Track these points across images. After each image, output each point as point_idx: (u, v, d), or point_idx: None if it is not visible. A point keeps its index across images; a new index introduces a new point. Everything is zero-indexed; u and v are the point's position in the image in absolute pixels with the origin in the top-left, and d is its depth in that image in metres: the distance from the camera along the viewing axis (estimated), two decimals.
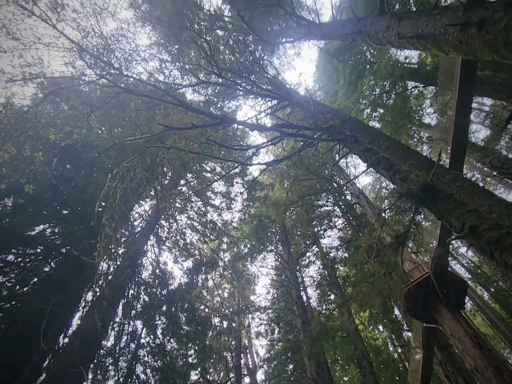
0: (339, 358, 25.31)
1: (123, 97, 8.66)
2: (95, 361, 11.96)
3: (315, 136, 6.96)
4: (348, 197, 19.54)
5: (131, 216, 15.03)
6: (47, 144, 7.47)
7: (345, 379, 27.67)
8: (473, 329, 9.73)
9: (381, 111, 13.23)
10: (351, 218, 19.12)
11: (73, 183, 11.46)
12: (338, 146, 7.19)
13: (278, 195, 17.53)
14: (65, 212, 12.30)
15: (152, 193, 12.80)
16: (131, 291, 14.16)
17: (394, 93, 12.33)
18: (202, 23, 13.05)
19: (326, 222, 19.75)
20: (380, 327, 28.99)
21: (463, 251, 28.56)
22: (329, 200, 19.83)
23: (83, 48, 7.73)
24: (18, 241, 10.53)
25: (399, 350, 27.76)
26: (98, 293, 11.35)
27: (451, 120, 6.60)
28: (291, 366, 21.81)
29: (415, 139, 18.18)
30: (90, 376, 11.77)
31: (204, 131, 8.74)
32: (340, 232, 22.79)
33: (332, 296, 22.25)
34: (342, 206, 19.31)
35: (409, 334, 21.92)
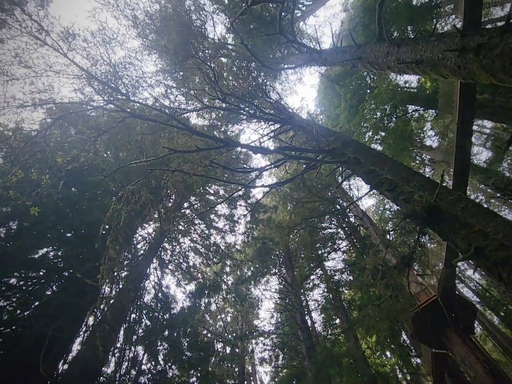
0: None
1: (129, 121, 8.86)
2: None
3: (318, 158, 7.06)
4: (352, 219, 19.50)
5: (134, 239, 15.01)
6: (54, 167, 7.59)
7: None
8: (484, 355, 9.46)
9: (383, 134, 13.41)
10: (355, 240, 19.00)
11: (78, 206, 11.54)
12: (341, 169, 7.26)
13: (281, 218, 17.53)
14: (68, 235, 12.31)
15: (156, 215, 12.85)
16: (133, 315, 13.96)
17: (395, 116, 12.53)
18: (207, 51, 13.50)
19: (330, 244, 19.62)
20: (388, 353, 28.17)
21: (470, 274, 28.12)
22: (333, 222, 19.78)
23: (92, 75, 7.99)
24: (21, 264, 10.50)
25: (408, 378, 26.87)
26: (99, 317, 11.21)
27: (452, 143, 6.68)
28: None
29: (417, 161, 18.29)
30: None
31: (208, 154, 8.87)
32: (344, 254, 22.58)
33: (338, 321, 21.78)
34: (346, 228, 19.23)
35: (418, 360, 21.31)
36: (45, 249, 12.10)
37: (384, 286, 10.73)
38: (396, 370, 28.10)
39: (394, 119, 12.59)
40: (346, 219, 19.81)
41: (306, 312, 22.18)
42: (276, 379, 22.15)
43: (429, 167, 18.67)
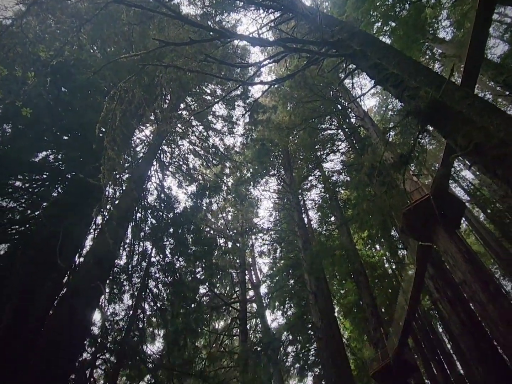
0: (337, 274, 27.12)
1: (113, 8, 7.93)
2: (110, 277, 12.86)
3: (321, 51, 6.52)
4: (353, 120, 19.09)
5: (132, 142, 14.89)
6: (38, 62, 7.06)
7: (342, 292, 29.85)
8: (465, 247, 10.23)
9: (393, 24, 12.21)
10: (354, 141, 18.91)
11: (70, 107, 11.12)
12: (344, 64, 6.77)
13: (281, 118, 17.12)
14: (65, 137, 12.16)
15: (152, 117, 12.51)
16: (139, 215, 14.66)
17: (408, 2, 11.23)
18: None
19: (329, 146, 19.60)
20: (377, 246, 30.58)
21: (464, 174, 28.83)
22: (333, 123, 19.43)
23: None
24: (23, 167, 10.59)
25: (394, 267, 29.63)
26: (107, 217, 11.77)
27: (468, 33, 6.11)
28: (292, 281, 23.51)
29: (427, 56, 17.07)
30: (107, 290, 12.78)
31: (203, 48, 8.19)
32: (343, 156, 22.78)
33: (333, 218, 23.07)
34: (346, 129, 18.97)
35: (404, 252, 23.17)
36: (44, 153, 12.09)
37: (380, 184, 11.03)
38: (384, 260, 30.80)
39: (407, 6, 11.30)
40: (347, 120, 19.40)
41: (303, 211, 23.34)
42: (274, 269, 24.41)
43: (439, 62, 17.51)
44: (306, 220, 24.01)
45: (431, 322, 27.13)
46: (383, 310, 26.31)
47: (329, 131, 19.58)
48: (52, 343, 7.02)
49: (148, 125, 15.86)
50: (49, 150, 12.01)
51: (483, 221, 27.19)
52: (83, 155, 11.33)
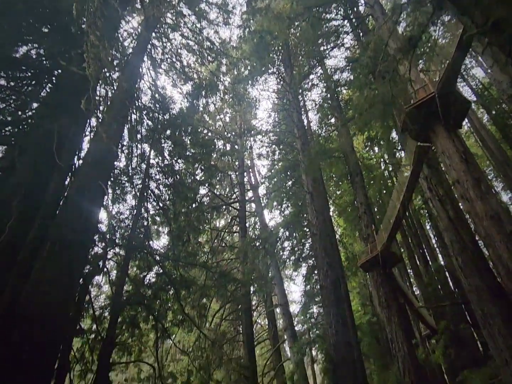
0: (333, 175, 27.87)
1: None
2: (112, 179, 13.14)
3: None
4: (361, 8, 17.20)
5: (120, 36, 13.68)
6: None
7: (338, 192, 31.06)
8: (464, 147, 10.23)
9: None
10: (361, 34, 17.35)
11: None
12: None
13: (282, 6, 15.36)
14: (45, 30, 11.12)
15: (139, 4, 11.28)
16: (134, 116, 14.28)
17: None
18: None
19: (333, 39, 18.01)
20: (376, 149, 30.75)
21: (475, 72, 27.40)
22: (339, 12, 17.51)
23: None
24: (4, 63, 9.91)
25: (390, 168, 30.26)
26: (101, 118, 11.47)
27: None
28: (289, 182, 24.19)
29: None
30: (110, 191, 13.18)
31: None
32: (348, 51, 21.26)
33: (333, 120, 22.64)
34: (353, 20, 17.19)
35: (402, 154, 23.33)
36: (25, 48, 11.20)
37: (383, 71, 10.38)
38: (381, 162, 31.29)
39: None
40: (355, 9, 17.45)
41: (303, 112, 22.75)
42: (272, 171, 24.87)
43: None
44: (305, 122, 23.56)
45: (420, 220, 28.88)
46: (375, 209, 27.74)
47: (334, 22, 17.76)
48: (62, 239, 7.42)
49: (135, 15, 14.33)
50: (29, 45, 11.10)
51: (486, 123, 26.78)
52: (67, 51, 10.49)
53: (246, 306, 20.50)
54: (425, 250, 25.86)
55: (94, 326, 11.70)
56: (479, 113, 27.08)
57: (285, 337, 21.60)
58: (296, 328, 20.82)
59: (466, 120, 24.15)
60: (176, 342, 16.20)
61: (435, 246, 28.48)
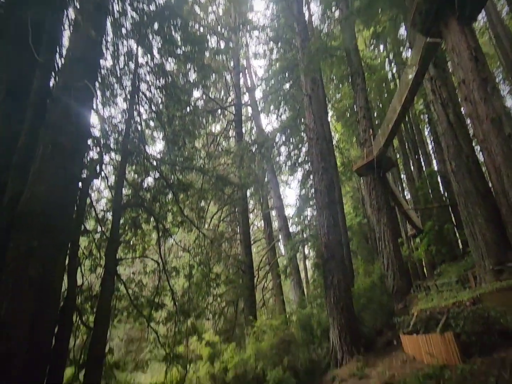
0: (334, 77, 26.49)
1: None
2: (99, 80, 12.36)
3: None
4: None
5: None
6: None
7: (338, 96, 29.96)
8: (476, 43, 9.45)
9: None
10: None
11: None
12: None
13: None
14: None
15: None
16: (116, 7, 12.84)
17: None
18: None
19: None
20: (381, 47, 28.66)
21: None
22: None
23: None
24: None
25: (394, 70, 28.68)
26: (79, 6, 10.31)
27: None
28: (287, 85, 23.00)
29: None
30: (98, 93, 12.52)
31: None
32: None
33: (337, 13, 20.56)
34: None
35: (408, 53, 21.80)
36: None
37: None
38: (385, 63, 29.50)
39: None
40: None
41: (303, 2, 20.40)
42: (269, 72, 23.40)
43: None
44: (307, 15, 21.35)
45: (419, 125, 28.51)
46: (375, 114, 27.12)
47: None
48: (54, 142, 7.26)
49: None
50: None
51: (504, 17, 24.42)
52: None
53: (243, 208, 21.45)
54: (421, 156, 26.11)
55: (99, 228, 12.39)
56: (499, 5, 24.43)
57: (280, 236, 23.01)
58: (290, 230, 22.00)
59: (482, 13, 22.02)
60: (177, 241, 17.39)
61: (431, 152, 28.66)
